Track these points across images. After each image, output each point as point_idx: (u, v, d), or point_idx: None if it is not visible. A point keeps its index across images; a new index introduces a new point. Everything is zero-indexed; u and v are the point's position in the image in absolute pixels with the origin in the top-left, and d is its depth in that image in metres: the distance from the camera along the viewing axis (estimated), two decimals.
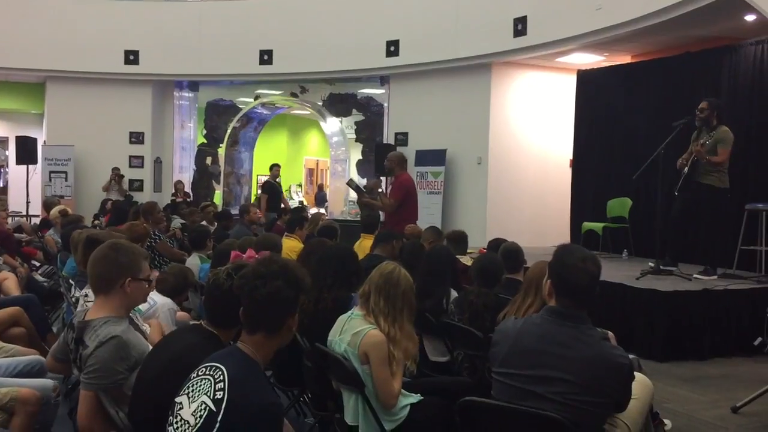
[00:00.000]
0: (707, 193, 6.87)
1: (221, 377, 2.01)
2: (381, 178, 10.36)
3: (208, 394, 1.99)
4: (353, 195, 14.35)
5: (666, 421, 4.18)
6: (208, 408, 1.96)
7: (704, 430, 4.34)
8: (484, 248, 7.65)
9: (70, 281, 4.82)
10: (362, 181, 12.43)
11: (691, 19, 8.08)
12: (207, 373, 2.05)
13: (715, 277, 6.88)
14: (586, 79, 10.57)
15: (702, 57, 8.75)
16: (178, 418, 2.03)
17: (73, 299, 4.44)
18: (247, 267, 2.27)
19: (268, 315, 2.10)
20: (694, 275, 6.87)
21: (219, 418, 1.93)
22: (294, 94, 14.20)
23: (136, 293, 2.76)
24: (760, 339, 6.16)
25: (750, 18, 7.82)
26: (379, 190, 8.02)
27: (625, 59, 10.37)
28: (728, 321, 6.27)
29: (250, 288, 2.08)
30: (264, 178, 18.26)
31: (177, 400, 2.08)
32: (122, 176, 13.54)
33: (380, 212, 7.94)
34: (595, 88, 10.38)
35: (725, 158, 6.83)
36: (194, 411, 1.99)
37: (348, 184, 10.60)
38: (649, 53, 9.88)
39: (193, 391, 2.05)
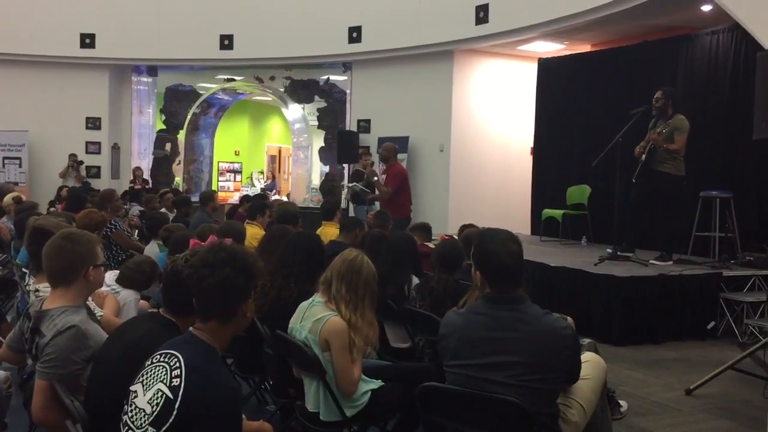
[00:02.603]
0: (664, 180, 7.00)
1: (177, 364, 1.97)
2: (372, 161, 10.32)
3: (164, 381, 1.95)
4: (316, 182, 14.40)
5: (622, 402, 4.28)
6: (164, 395, 1.93)
7: (659, 411, 4.44)
8: (446, 235, 7.71)
9: (24, 270, 4.70)
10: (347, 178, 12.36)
11: (649, 8, 8.21)
12: (162, 360, 2.02)
13: (671, 262, 7.04)
14: (547, 68, 10.68)
15: (659, 46, 8.90)
16: (133, 406, 2.00)
17: (27, 288, 4.35)
18: (195, 255, 2.23)
19: (219, 303, 2.07)
20: (651, 261, 7.01)
21: (176, 405, 1.90)
22: (259, 79, 14.05)
23: (96, 280, 2.73)
24: (713, 323, 6.38)
25: (706, 8, 7.98)
26: (375, 178, 8.21)
27: (585, 48, 10.50)
28: (683, 305, 6.41)
29: (198, 277, 2.05)
30: (225, 165, 18.16)
31: (132, 388, 2.04)
32: (81, 162, 13.22)
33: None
34: (555, 77, 10.50)
35: (682, 146, 6.96)
36: (150, 399, 1.96)
37: (352, 188, 10.58)
38: (608, 42, 10.02)
39: (148, 378, 2.01)
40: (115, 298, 3.74)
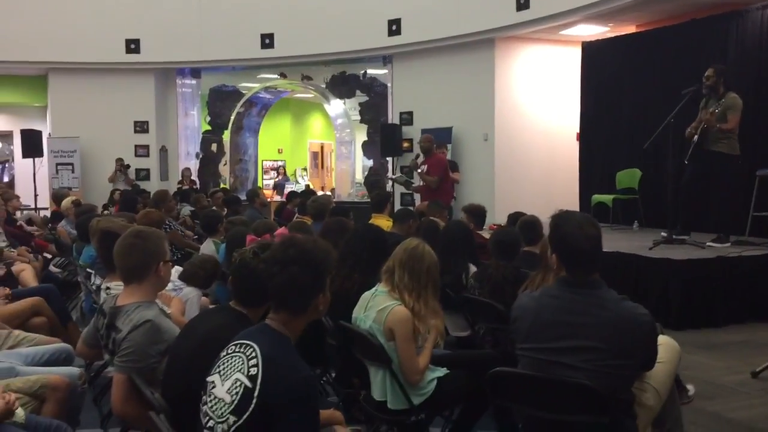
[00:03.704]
0: (718, 160, 6.83)
1: (253, 354, 2.01)
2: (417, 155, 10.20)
3: (242, 371, 1.99)
4: (360, 177, 14.45)
5: (689, 386, 4.20)
6: (243, 385, 1.97)
7: (726, 395, 4.36)
8: (494, 224, 7.69)
9: (89, 270, 4.84)
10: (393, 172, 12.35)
11: None
12: (238, 350, 2.06)
13: (728, 244, 6.87)
14: (591, 51, 10.49)
15: (708, 23, 8.66)
16: (212, 396, 2.04)
17: (93, 287, 4.48)
18: (266, 250, 2.27)
19: (288, 299, 2.11)
20: (708, 243, 6.85)
21: (256, 394, 1.94)
22: (307, 77, 14.13)
23: (166, 276, 2.81)
24: None
25: None
26: (418, 170, 8.25)
27: (629, 29, 10.28)
28: (743, 288, 6.27)
29: (268, 274, 2.10)
30: (268, 163, 18.35)
31: (209, 379, 2.08)
32: (128, 166, 13.49)
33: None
34: (600, 60, 10.32)
35: (735, 125, 6.78)
36: (229, 389, 2.00)
37: (395, 180, 10.60)
38: (654, 22, 9.79)
39: (225, 369, 2.05)
40: (180, 299, 3.82)
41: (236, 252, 2.60)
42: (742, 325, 6.09)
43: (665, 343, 2.84)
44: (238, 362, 2.03)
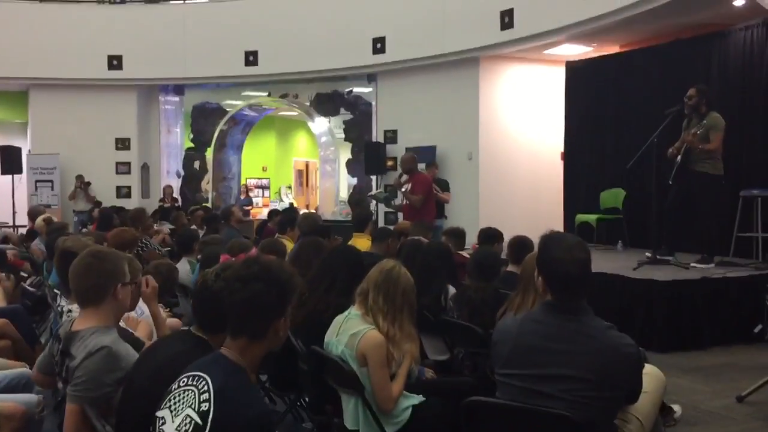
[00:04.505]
0: (702, 180, 6.79)
1: (206, 387, 1.87)
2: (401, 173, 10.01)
3: (193, 406, 1.85)
4: (344, 195, 14.34)
5: (675, 407, 4.07)
6: (193, 422, 1.83)
7: (712, 420, 4.26)
8: (477, 244, 7.59)
9: (56, 290, 4.68)
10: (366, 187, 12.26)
11: (679, 5, 8.01)
12: (190, 383, 1.91)
13: (713, 265, 6.81)
14: (576, 71, 10.51)
15: (691, 44, 8.69)
16: None
17: (59, 308, 4.31)
18: (228, 269, 2.14)
19: (248, 320, 1.96)
20: (692, 264, 6.79)
21: None
22: (292, 95, 14.07)
23: (125, 299, 2.66)
24: (760, 326, 6.11)
25: (738, 2, 7.76)
26: (402, 189, 8.13)
27: (613, 49, 10.30)
28: (728, 309, 6.19)
29: (228, 291, 1.95)
30: (253, 181, 18.17)
31: (158, 414, 1.93)
32: (88, 183, 12.94)
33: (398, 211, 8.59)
34: (584, 80, 10.33)
35: (718, 145, 6.76)
36: (178, 426, 1.85)
37: (374, 197, 10.47)
38: (637, 42, 9.81)
39: (176, 403, 1.90)
40: (147, 323, 3.67)
41: (200, 274, 2.47)
42: (727, 347, 6.00)
43: (650, 372, 2.74)
44: (190, 397, 1.88)
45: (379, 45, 11.99)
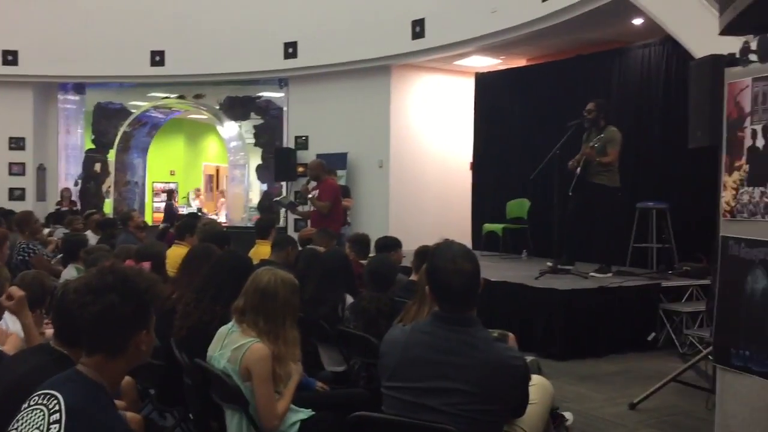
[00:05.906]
0: (600, 192, 6.97)
1: (57, 407, 1.68)
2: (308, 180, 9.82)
3: (41, 428, 1.67)
4: (255, 201, 14.04)
5: (567, 414, 4.11)
6: None
7: (603, 427, 4.32)
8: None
9: None
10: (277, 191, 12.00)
11: (582, 23, 8.27)
12: (40, 402, 1.72)
13: (610, 274, 7.01)
14: (484, 82, 10.68)
15: (593, 59, 8.98)
16: None
17: None
18: (80, 279, 1.94)
19: (104, 335, 1.79)
20: (590, 273, 6.96)
21: None
22: (198, 96, 13.65)
23: None
24: (653, 334, 6.34)
25: (637, 22, 8.07)
26: (309, 195, 7.97)
27: (520, 62, 10.54)
28: (623, 317, 6.36)
29: (79, 304, 1.76)
30: (160, 185, 17.55)
31: None
32: None
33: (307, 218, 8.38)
34: (492, 91, 10.51)
35: (615, 158, 6.97)
36: None
37: (279, 202, 10.22)
38: (543, 56, 10.08)
39: (23, 425, 1.71)
40: (18, 337, 3.37)
41: (60, 284, 2.26)
42: (622, 355, 6.15)
43: (538, 383, 2.72)
44: (39, 417, 1.69)
45: (290, 50, 11.83)
